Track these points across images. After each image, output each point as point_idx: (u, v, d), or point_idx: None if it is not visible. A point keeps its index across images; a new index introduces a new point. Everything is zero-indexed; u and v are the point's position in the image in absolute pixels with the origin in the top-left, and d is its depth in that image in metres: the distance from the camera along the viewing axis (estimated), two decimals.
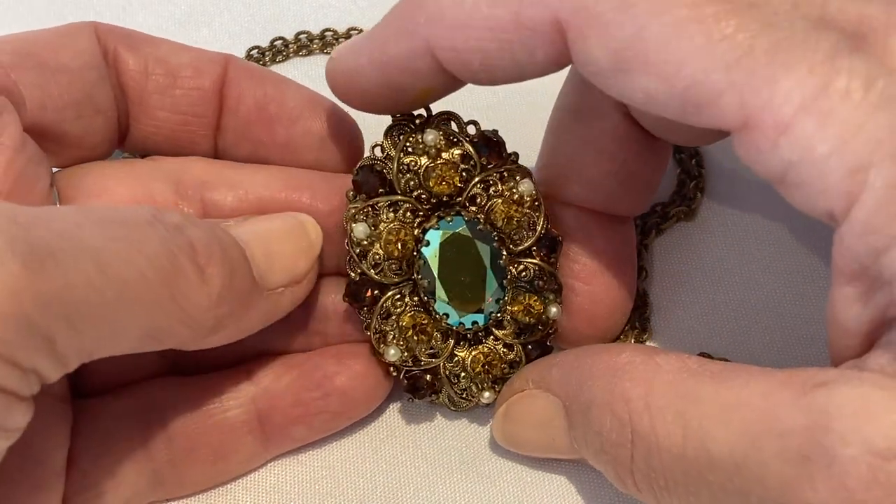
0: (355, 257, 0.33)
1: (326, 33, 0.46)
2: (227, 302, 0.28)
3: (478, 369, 0.33)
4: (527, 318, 0.33)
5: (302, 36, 0.46)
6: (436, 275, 0.33)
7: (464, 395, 0.34)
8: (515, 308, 0.33)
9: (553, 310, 0.33)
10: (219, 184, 0.34)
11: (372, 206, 0.33)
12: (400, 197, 0.33)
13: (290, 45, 0.45)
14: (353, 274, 0.33)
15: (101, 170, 0.33)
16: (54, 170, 0.33)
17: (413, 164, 0.33)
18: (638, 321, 0.37)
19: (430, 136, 0.32)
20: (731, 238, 0.39)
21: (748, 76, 0.24)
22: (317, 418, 0.34)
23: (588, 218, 0.34)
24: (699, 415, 0.25)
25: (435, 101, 0.32)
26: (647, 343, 0.37)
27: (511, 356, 0.34)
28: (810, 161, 0.23)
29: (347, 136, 0.35)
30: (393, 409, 0.36)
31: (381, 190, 0.33)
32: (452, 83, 0.30)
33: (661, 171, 0.35)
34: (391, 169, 0.33)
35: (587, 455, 0.30)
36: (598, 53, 0.26)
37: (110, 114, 0.33)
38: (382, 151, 0.33)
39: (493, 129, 0.33)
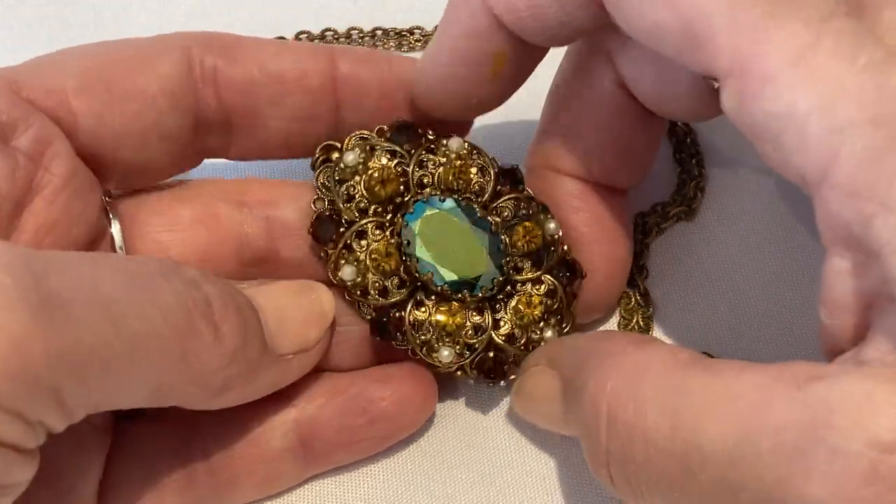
0: (359, 299, 0.33)
1: (326, 33, 0.46)
2: (237, 363, 0.27)
3: (535, 313, 0.33)
4: (532, 243, 0.33)
5: (302, 36, 0.46)
6: (433, 263, 0.33)
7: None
8: (517, 240, 0.33)
9: (551, 225, 0.34)
10: (280, 199, 0.33)
11: (345, 248, 0.33)
12: (361, 222, 0.33)
13: None
14: (367, 312, 0.33)
15: (161, 191, 0.33)
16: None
17: (351, 189, 0.33)
18: (641, 320, 0.37)
19: (350, 156, 0.33)
20: (731, 238, 0.39)
21: (745, 21, 0.24)
22: (361, 444, 0.34)
23: (584, 188, 0.35)
24: (688, 407, 0.25)
25: (510, 77, 0.32)
26: None
27: (544, 288, 0.34)
28: (791, 115, 0.23)
29: None
30: None
31: (341, 230, 0.33)
32: (520, 46, 0.31)
33: (655, 147, 0.36)
34: (337, 207, 0.33)
35: (578, 437, 0.29)
36: None
37: (184, 139, 0.32)
38: (321, 200, 0.33)
39: (400, 118, 0.33)
